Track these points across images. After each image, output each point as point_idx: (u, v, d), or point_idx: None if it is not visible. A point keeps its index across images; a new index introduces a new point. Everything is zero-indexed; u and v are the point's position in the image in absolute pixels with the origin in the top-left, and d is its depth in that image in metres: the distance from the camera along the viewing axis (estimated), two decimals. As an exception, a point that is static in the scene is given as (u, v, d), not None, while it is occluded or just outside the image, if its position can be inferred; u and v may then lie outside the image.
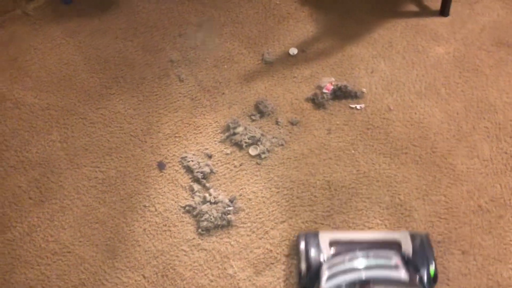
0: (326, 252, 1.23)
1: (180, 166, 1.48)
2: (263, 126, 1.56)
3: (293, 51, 1.76)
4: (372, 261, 1.17)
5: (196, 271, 1.29)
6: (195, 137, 1.55)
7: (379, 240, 1.27)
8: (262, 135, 1.53)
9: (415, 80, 1.65)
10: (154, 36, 1.84)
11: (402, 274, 1.14)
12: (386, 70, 1.69)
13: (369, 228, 1.34)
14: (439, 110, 1.57)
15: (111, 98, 1.66)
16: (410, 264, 1.18)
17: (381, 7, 1.90)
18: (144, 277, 1.28)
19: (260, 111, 1.59)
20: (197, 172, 1.45)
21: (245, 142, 1.51)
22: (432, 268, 1.18)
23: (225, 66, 1.74)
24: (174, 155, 1.51)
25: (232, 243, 1.32)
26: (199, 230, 1.34)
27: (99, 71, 1.74)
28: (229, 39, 1.82)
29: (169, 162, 1.49)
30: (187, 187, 1.43)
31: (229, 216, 1.36)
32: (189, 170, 1.46)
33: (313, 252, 1.23)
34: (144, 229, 1.36)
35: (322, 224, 1.35)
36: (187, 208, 1.39)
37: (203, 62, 1.75)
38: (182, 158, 1.49)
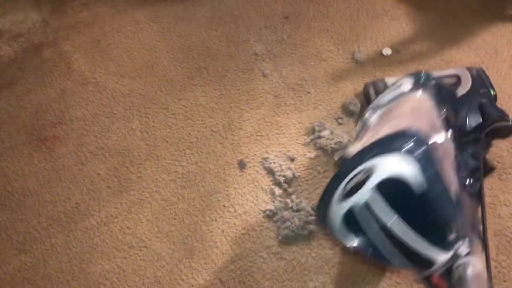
0: None
1: (261, 167, 1.41)
2: (350, 131, 1.46)
3: (387, 51, 1.64)
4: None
5: (274, 280, 1.23)
6: (277, 138, 1.47)
7: (440, 76, 1.36)
8: (349, 141, 1.43)
9: (522, 93, 1.50)
10: (239, 26, 1.77)
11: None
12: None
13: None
14: (549, 129, 1.42)
15: (194, 89, 1.61)
16: (471, 90, 1.32)
17: (487, 8, 1.73)
18: (220, 281, 1.23)
19: (348, 114, 1.49)
20: (279, 175, 1.38)
21: (331, 147, 1.42)
22: (491, 89, 1.34)
23: (312, 63, 1.64)
24: (255, 154, 1.44)
25: (313, 255, 1.25)
26: (279, 237, 1.28)
27: (182, 60, 1.69)
28: (317, 34, 1.72)
29: (249, 162, 1.43)
30: (267, 190, 1.37)
31: (311, 226, 1.28)
32: (270, 172, 1.40)
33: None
34: (223, 230, 1.31)
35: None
36: (267, 212, 1.32)
37: (289, 57, 1.66)
38: (263, 158, 1.42)
